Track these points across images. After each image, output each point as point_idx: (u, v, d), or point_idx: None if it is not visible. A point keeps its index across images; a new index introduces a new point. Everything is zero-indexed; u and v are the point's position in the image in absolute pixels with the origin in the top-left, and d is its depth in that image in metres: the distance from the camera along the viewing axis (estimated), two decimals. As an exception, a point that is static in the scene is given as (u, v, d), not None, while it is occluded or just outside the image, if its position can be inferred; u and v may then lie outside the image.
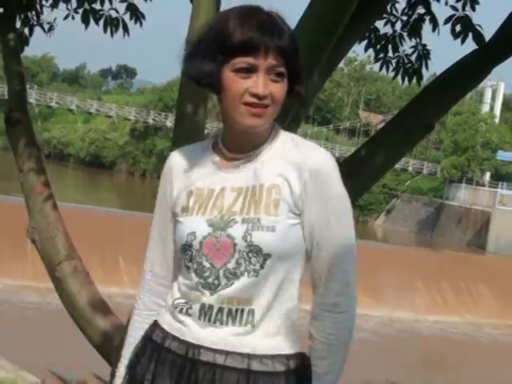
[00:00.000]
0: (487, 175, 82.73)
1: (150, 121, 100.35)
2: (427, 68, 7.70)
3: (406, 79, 7.81)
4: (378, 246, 52.29)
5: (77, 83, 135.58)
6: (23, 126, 7.02)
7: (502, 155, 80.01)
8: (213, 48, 2.87)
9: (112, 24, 7.92)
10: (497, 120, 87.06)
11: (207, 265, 2.91)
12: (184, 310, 3.00)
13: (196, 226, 2.96)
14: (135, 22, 7.97)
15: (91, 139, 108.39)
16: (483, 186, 78.81)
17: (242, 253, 2.88)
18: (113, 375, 5.63)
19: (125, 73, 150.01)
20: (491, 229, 71.90)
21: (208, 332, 2.93)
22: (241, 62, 2.82)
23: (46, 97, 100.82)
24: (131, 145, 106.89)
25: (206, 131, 5.73)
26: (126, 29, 7.99)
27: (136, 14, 7.95)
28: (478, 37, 7.03)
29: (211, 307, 2.93)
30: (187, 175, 3.10)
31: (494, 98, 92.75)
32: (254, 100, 2.83)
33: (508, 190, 75.39)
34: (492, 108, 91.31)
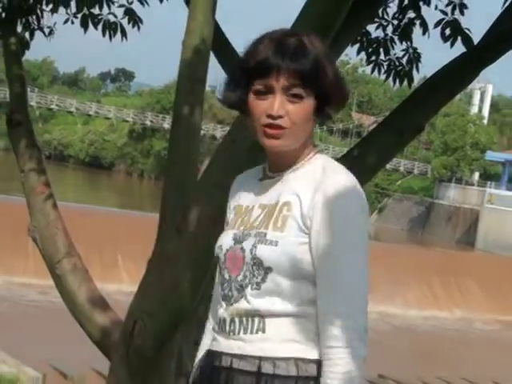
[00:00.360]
0: (476, 175, 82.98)
1: (148, 123, 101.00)
2: (418, 70, 7.73)
3: (397, 81, 7.83)
4: (371, 244, 52.22)
5: (76, 86, 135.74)
6: (24, 128, 7.03)
7: (490, 155, 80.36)
8: (240, 73, 2.90)
9: (110, 28, 7.93)
10: (485, 121, 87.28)
11: (227, 277, 2.97)
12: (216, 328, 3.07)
13: (224, 239, 3.04)
14: (133, 26, 7.98)
15: (90, 140, 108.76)
16: (472, 185, 79.13)
17: (248, 265, 2.91)
18: (112, 370, 5.66)
19: (123, 76, 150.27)
20: (480, 227, 72.19)
21: (226, 341, 2.97)
22: (258, 84, 2.83)
23: (46, 99, 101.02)
24: (129, 146, 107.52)
25: (201, 132, 5.78)
26: (123, 33, 8.00)
27: (134, 19, 7.96)
28: (466, 40, 7.04)
29: (225, 320, 2.98)
30: (238, 193, 3.18)
31: (482, 100, 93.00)
32: (269, 121, 2.82)
33: (496, 189, 75.69)
34: (480, 109, 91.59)
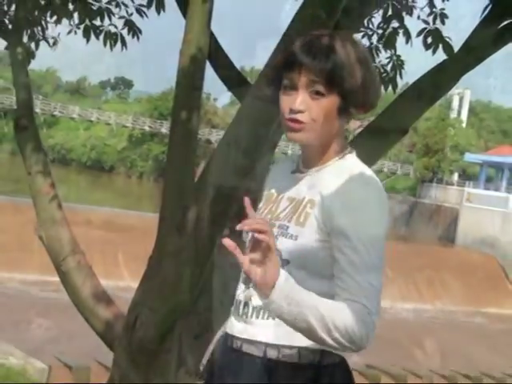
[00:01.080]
0: (455, 175, 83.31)
1: (147, 128, 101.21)
2: (401, 77, 7.74)
3: (382, 87, 7.85)
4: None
5: (78, 94, 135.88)
6: (30, 132, 7.08)
7: (468, 157, 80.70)
8: (274, 70, 2.97)
9: (111, 38, 7.96)
10: (464, 125, 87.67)
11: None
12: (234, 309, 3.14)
13: None
14: (132, 37, 8.00)
15: (92, 145, 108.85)
16: (452, 185, 79.47)
17: None
18: (115, 362, 5.68)
19: (122, 84, 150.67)
20: (459, 224, 72.48)
21: (238, 324, 3.03)
22: (285, 78, 2.86)
23: (50, 106, 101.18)
24: (129, 150, 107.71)
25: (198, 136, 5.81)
26: (124, 43, 8.03)
27: (133, 29, 7.99)
28: (447, 47, 7.07)
29: (240, 302, 3.04)
30: (272, 181, 3.23)
31: (461, 105, 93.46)
32: (291, 115, 2.83)
33: (474, 189, 76.04)
34: (459, 114, 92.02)
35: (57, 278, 6.99)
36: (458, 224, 72.15)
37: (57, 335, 28.02)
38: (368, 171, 2.96)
